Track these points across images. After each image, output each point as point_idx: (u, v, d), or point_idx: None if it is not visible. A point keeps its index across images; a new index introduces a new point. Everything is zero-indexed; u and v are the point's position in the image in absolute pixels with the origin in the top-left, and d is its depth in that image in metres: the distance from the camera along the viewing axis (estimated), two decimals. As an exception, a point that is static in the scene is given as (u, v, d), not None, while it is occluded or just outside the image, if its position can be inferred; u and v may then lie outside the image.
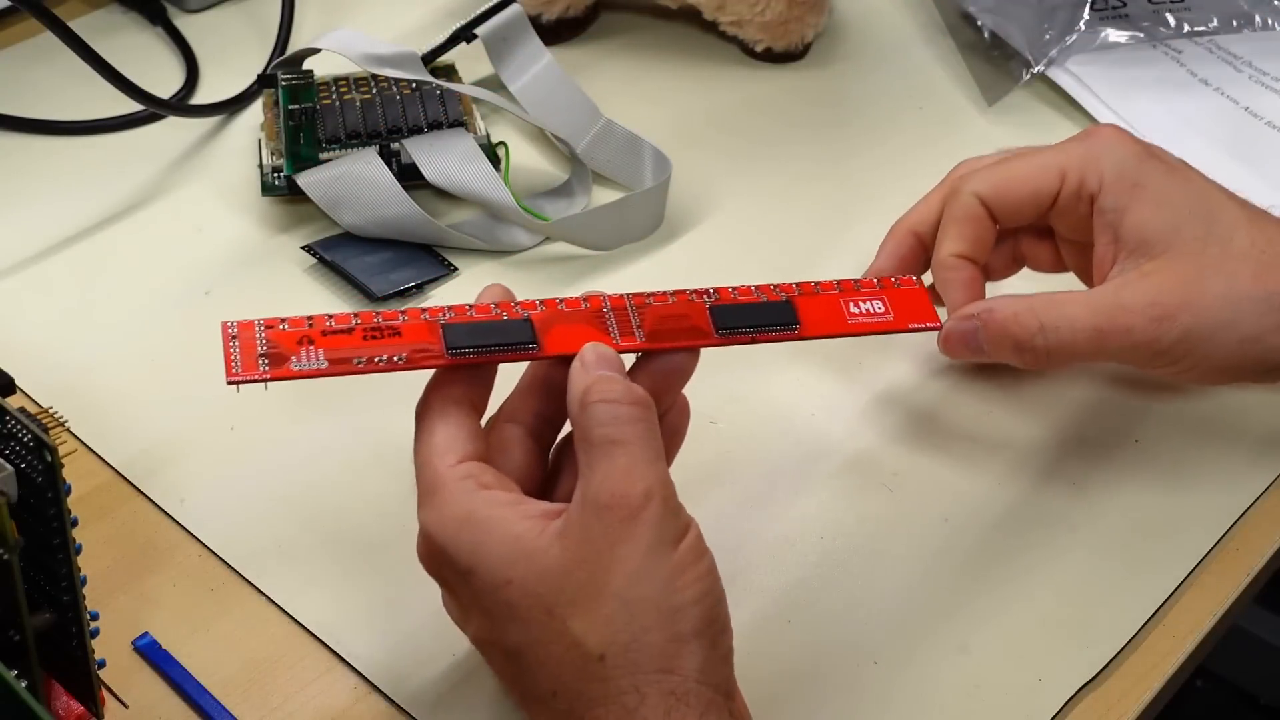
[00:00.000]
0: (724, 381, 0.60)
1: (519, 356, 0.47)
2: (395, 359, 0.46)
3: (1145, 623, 0.52)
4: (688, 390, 0.49)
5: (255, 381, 0.45)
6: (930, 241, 0.58)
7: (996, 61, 0.76)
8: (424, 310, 0.47)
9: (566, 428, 0.48)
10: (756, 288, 0.50)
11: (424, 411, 0.47)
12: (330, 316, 0.46)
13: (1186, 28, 0.78)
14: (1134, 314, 0.53)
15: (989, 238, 0.57)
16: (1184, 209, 0.54)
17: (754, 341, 0.49)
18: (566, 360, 0.47)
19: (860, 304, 0.51)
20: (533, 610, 0.43)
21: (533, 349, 0.47)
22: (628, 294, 0.49)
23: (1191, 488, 0.56)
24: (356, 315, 0.47)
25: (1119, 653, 0.51)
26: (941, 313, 0.55)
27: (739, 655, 0.49)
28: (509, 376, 0.49)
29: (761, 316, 0.50)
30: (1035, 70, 0.75)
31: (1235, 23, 0.79)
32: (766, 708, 0.49)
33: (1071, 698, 0.50)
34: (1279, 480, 0.57)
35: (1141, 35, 0.78)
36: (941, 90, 0.77)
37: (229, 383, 0.45)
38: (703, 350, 0.49)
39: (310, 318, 0.46)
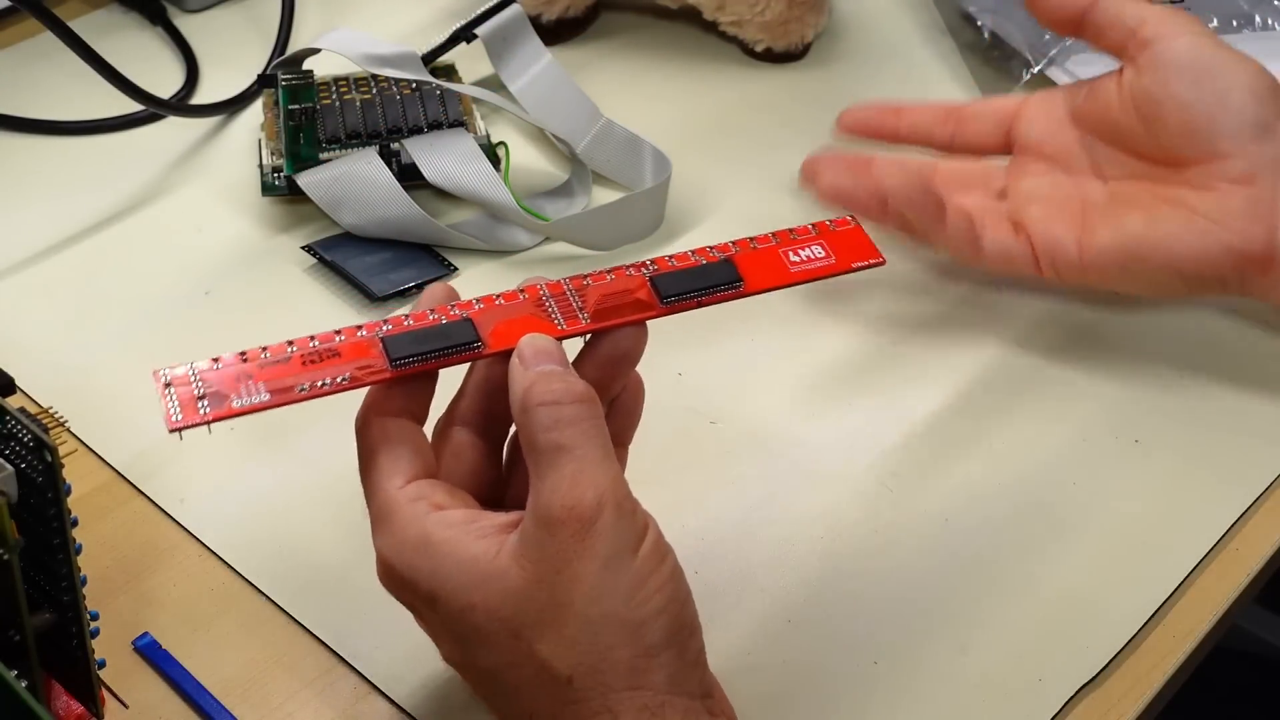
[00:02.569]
0: (724, 381, 0.60)
1: (464, 357, 0.46)
2: (339, 380, 0.44)
3: (1145, 623, 0.52)
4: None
5: (198, 425, 0.44)
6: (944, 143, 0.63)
7: (996, 62, 0.76)
8: (360, 327, 0.46)
9: None
10: (694, 252, 0.49)
11: (364, 431, 0.46)
12: (265, 349, 0.45)
13: (1186, 28, 0.78)
14: None
15: None
16: None
17: (700, 306, 0.48)
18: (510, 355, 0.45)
19: (800, 251, 0.49)
20: (499, 634, 0.42)
21: (478, 347, 0.45)
22: (564, 278, 0.47)
23: (1191, 488, 0.56)
24: (292, 343, 0.45)
25: (1119, 653, 0.51)
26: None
27: (740, 655, 0.49)
28: (447, 382, 0.48)
29: (704, 279, 0.48)
30: (1035, 70, 0.75)
31: (1235, 23, 0.79)
32: (767, 707, 0.49)
33: (1071, 698, 0.50)
34: (1279, 480, 0.57)
35: (1141, 35, 0.78)
36: (941, 90, 0.77)
37: (170, 431, 0.43)
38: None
39: (244, 353, 0.45)
